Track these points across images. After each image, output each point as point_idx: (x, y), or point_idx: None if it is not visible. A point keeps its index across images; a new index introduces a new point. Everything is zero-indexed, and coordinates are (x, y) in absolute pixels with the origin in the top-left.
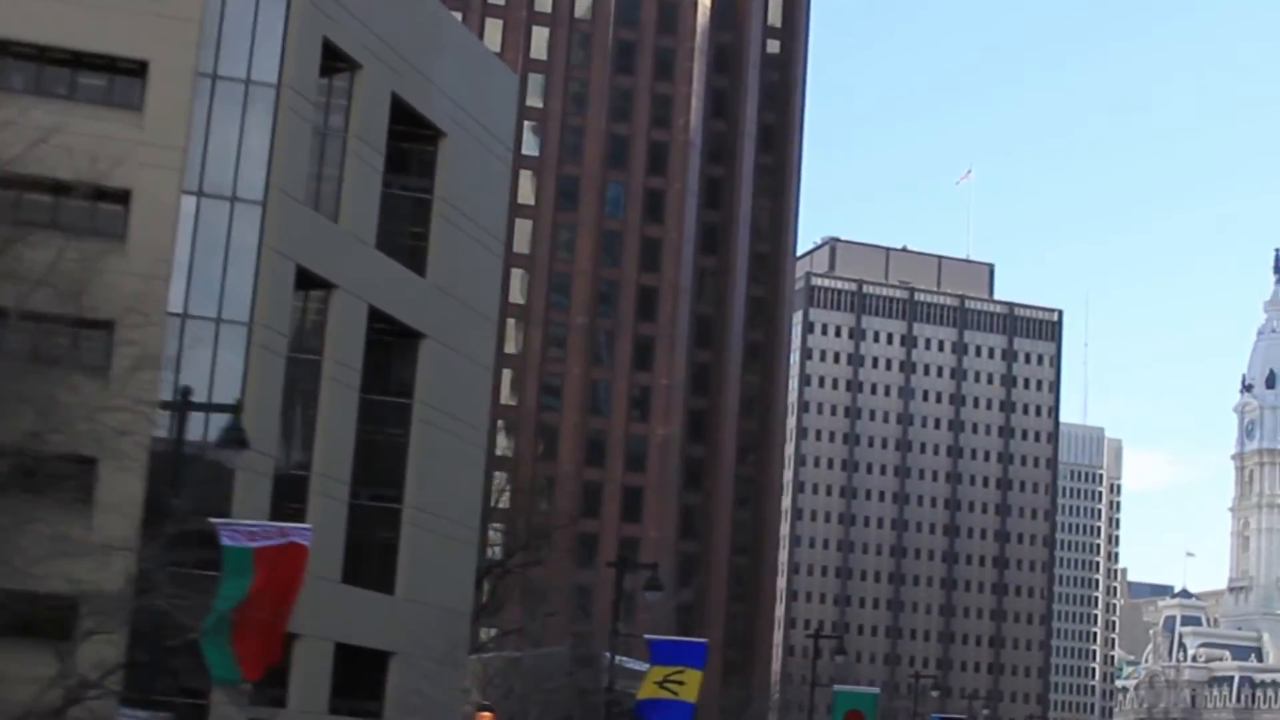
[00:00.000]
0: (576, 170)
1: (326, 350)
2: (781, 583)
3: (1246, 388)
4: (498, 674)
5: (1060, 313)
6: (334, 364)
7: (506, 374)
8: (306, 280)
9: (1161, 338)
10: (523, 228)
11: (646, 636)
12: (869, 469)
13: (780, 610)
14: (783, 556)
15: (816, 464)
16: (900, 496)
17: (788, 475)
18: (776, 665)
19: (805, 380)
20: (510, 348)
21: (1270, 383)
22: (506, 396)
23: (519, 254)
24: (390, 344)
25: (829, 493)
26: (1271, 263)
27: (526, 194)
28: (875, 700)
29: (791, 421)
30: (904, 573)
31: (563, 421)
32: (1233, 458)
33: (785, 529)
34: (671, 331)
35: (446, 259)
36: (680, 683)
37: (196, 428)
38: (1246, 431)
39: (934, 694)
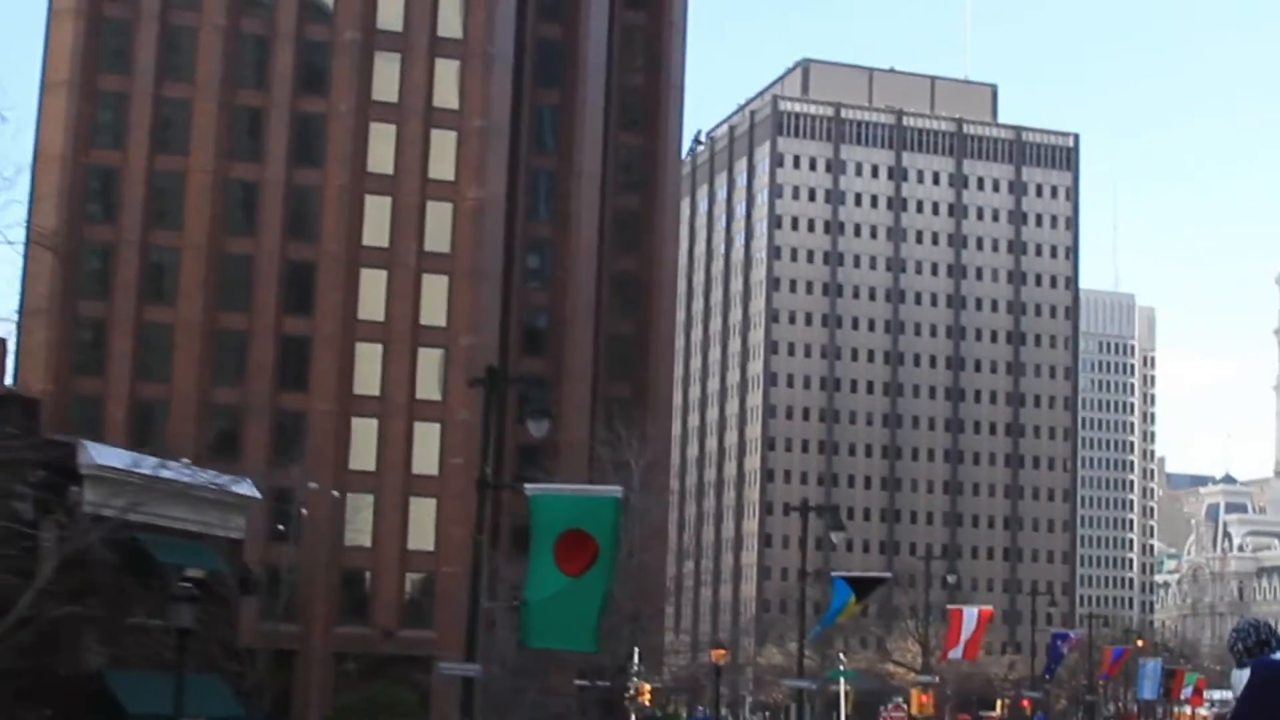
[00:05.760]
0: None
1: None
2: (755, 461)
3: None
4: None
5: (1076, 137)
6: None
7: None
8: None
9: (1189, 190)
10: None
11: None
12: (855, 324)
13: (755, 493)
14: (755, 431)
15: (792, 320)
16: (893, 356)
17: (759, 335)
18: (752, 555)
19: (776, 222)
20: None
21: None
22: None
23: None
24: None
25: (808, 354)
26: None
27: None
28: (616, 508)
29: (761, 273)
30: (900, 445)
31: None
32: (1275, 332)
33: (758, 398)
34: None
35: None
36: None
37: None
38: None
39: (950, 578)
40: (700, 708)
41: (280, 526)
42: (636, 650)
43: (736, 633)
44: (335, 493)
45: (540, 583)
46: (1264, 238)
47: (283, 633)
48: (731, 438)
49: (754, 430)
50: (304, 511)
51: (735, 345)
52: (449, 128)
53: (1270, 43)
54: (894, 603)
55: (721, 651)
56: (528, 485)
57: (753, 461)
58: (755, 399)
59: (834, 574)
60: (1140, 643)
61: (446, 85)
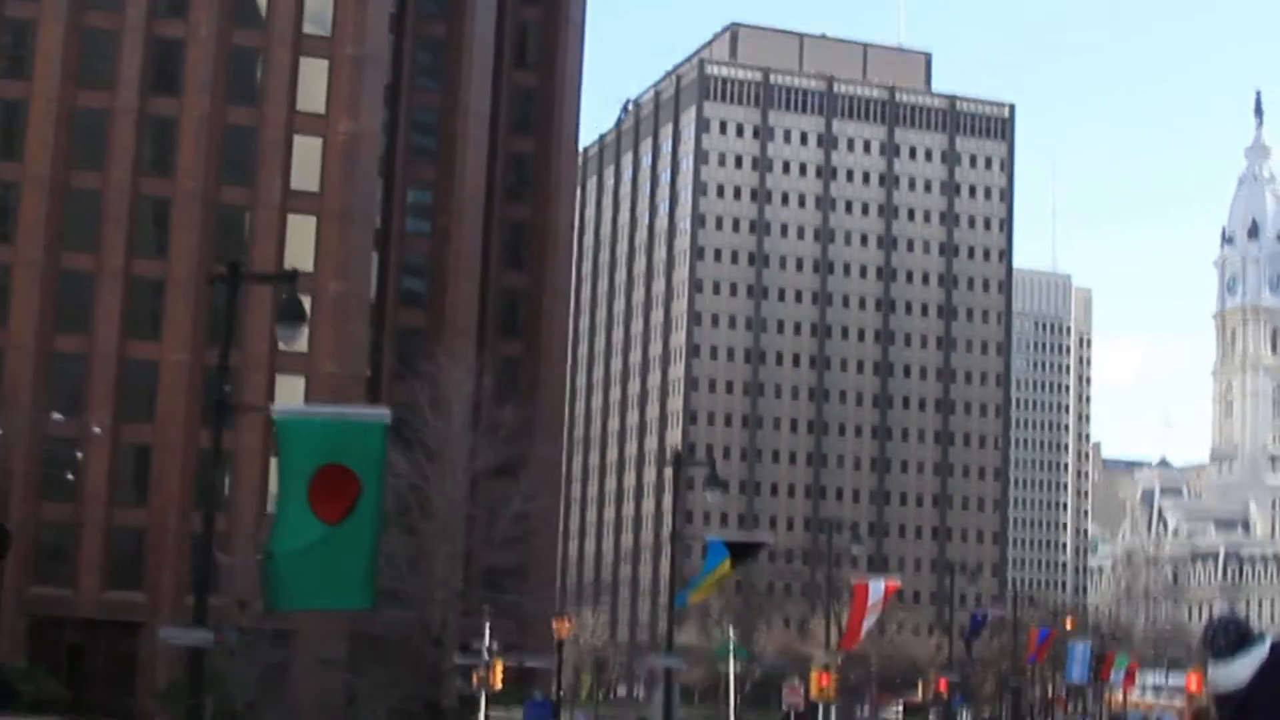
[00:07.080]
0: None
1: None
2: (676, 434)
3: (1227, 240)
4: None
5: (1012, 107)
6: None
7: None
8: None
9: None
10: None
11: None
12: (781, 295)
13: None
14: (677, 404)
15: (717, 290)
16: (820, 328)
17: (682, 305)
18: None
19: (701, 190)
20: None
21: (1253, 233)
22: None
23: None
24: None
25: (733, 325)
26: (1253, 104)
27: None
28: (383, 436)
29: (685, 242)
30: (826, 420)
31: None
32: (1213, 317)
33: (679, 370)
34: None
35: None
36: None
37: None
38: (1227, 287)
39: (855, 550)
40: (536, 692)
41: (70, 477)
42: (488, 625)
43: (656, 611)
44: (96, 429)
45: (290, 532)
46: (1202, 221)
47: (128, 602)
48: (653, 411)
49: (675, 404)
50: (70, 476)
51: (658, 316)
52: (320, 55)
53: (1214, 18)
54: (817, 581)
55: (564, 621)
56: (274, 408)
57: (674, 436)
58: (677, 371)
59: (709, 536)
60: (1069, 623)
61: (318, 8)
